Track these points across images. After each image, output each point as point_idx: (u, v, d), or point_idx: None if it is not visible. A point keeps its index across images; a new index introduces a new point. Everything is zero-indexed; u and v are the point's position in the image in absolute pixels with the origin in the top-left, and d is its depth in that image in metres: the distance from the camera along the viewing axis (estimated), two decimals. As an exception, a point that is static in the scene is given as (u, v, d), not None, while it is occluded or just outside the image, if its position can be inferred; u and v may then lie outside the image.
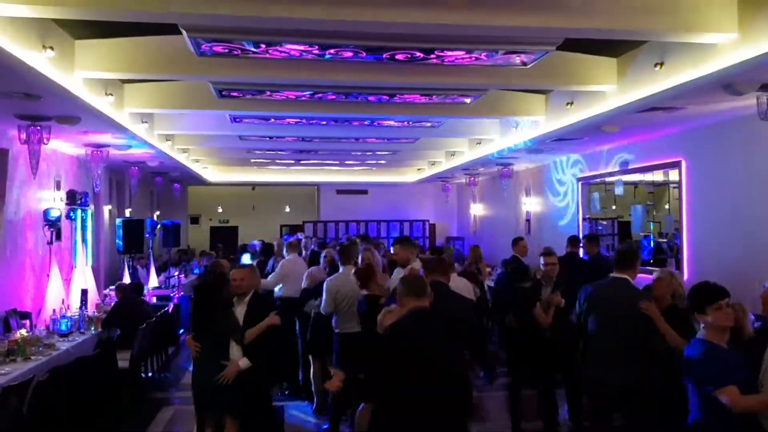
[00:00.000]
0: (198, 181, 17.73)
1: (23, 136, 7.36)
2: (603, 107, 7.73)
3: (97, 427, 5.98)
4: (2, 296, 8.08)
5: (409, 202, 20.37)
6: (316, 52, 6.13)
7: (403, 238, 6.47)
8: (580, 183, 11.86)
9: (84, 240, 10.28)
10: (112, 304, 8.35)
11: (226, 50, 6.05)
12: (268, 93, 8.04)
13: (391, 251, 6.75)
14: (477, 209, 18.00)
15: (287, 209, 24.00)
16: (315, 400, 7.15)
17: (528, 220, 14.21)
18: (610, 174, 10.74)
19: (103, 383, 5.94)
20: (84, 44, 6.51)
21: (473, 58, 6.41)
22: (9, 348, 5.94)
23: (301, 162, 16.40)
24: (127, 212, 13.96)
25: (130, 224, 11.29)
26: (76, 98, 6.57)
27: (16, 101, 6.49)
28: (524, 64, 6.74)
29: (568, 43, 6.32)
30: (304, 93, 8.08)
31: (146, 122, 9.40)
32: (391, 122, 10.36)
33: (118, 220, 11.49)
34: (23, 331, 6.33)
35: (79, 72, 6.54)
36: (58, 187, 9.77)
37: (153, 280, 11.73)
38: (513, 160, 12.80)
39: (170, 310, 9.39)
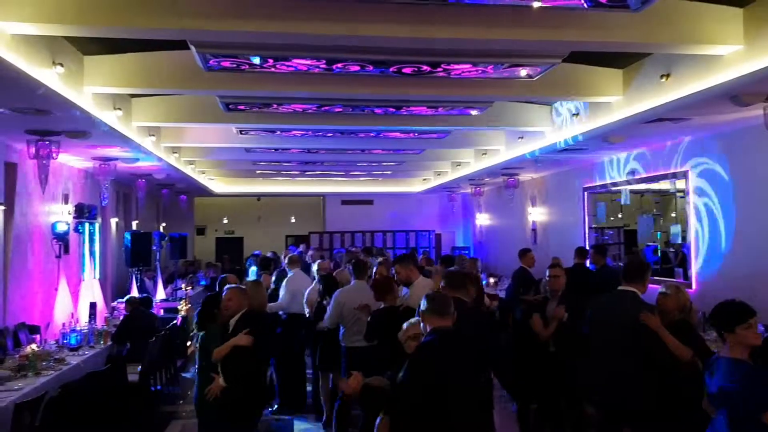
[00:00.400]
0: (204, 192, 17.79)
1: (32, 150, 7.42)
2: (609, 118, 7.75)
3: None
4: (11, 310, 8.12)
5: (414, 212, 20.38)
6: (324, 66, 6.17)
7: (402, 256, 6.41)
8: (586, 192, 11.86)
9: (92, 253, 10.32)
10: (121, 317, 8.37)
11: (234, 65, 6.10)
12: (275, 106, 8.09)
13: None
14: (482, 219, 18.00)
15: (293, 220, 23.99)
16: (324, 414, 7.13)
17: (534, 230, 14.19)
18: (616, 184, 10.74)
19: (113, 398, 5.94)
20: (93, 60, 6.57)
21: (480, 71, 6.45)
22: (20, 363, 5.95)
23: (307, 173, 16.45)
24: (134, 225, 14.01)
25: (138, 237, 11.33)
26: (86, 113, 6.62)
27: (26, 116, 6.55)
28: (530, 76, 6.77)
29: (574, 55, 6.37)
30: (311, 106, 8.12)
31: (153, 135, 9.46)
32: (397, 134, 10.40)
33: (127, 234, 11.53)
34: (33, 346, 6.34)
35: (88, 87, 6.60)
36: (66, 200, 9.83)
37: (160, 293, 11.75)
38: (519, 170, 12.82)
39: (179, 322, 9.39)
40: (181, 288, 12.25)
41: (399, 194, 19.55)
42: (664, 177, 9.45)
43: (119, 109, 7.55)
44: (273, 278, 8.56)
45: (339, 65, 6.16)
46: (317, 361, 7.06)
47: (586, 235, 11.82)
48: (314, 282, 7.54)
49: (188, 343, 9.48)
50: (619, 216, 11.39)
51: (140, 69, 6.77)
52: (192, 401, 7.92)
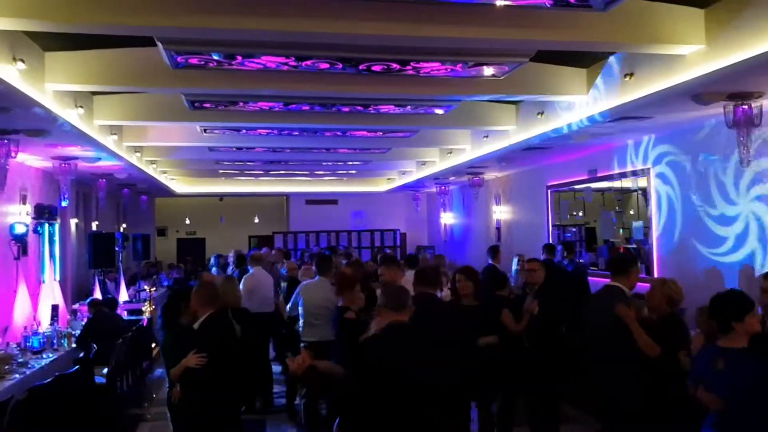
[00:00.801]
0: (165, 192, 17.53)
1: (-10, 149, 7.21)
2: (573, 117, 7.87)
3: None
4: (-31, 314, 7.88)
5: (379, 212, 20.41)
6: (293, 63, 6.13)
7: (388, 258, 6.46)
8: (549, 191, 12.03)
9: (51, 255, 10.07)
10: (83, 319, 8.20)
11: (202, 62, 6.02)
12: (241, 104, 8.01)
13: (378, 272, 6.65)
14: (447, 218, 18.11)
15: (256, 220, 23.82)
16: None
17: (498, 228, 14.34)
18: (580, 182, 10.92)
19: (81, 400, 5.82)
20: (55, 56, 6.41)
21: (449, 70, 6.49)
22: (-18, 367, 5.80)
23: (271, 172, 16.33)
24: (94, 225, 13.72)
25: (100, 238, 11.10)
26: (47, 111, 6.46)
27: (-17, 115, 6.36)
28: (497, 76, 6.85)
29: (539, 54, 6.45)
30: (277, 104, 8.07)
31: (115, 134, 9.29)
32: (364, 132, 10.39)
33: (89, 234, 11.27)
34: (-5, 350, 6.18)
35: (49, 84, 6.44)
36: (24, 201, 9.56)
37: (123, 294, 11.54)
38: (483, 169, 12.93)
39: (145, 323, 9.24)
40: (144, 289, 12.04)
41: (364, 194, 19.55)
42: (626, 175, 9.64)
43: (81, 107, 7.38)
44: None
45: (308, 62, 6.13)
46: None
47: (550, 233, 11.99)
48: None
49: (153, 345, 9.34)
50: (580, 214, 11.59)
51: (104, 66, 6.62)
52: (159, 403, 7.92)
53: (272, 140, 10.93)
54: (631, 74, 6.57)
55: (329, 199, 20.46)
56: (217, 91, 7.21)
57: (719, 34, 5.46)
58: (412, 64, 6.28)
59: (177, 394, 4.78)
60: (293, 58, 6.02)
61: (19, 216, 9.28)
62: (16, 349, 7.00)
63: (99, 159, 9.88)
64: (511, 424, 5.99)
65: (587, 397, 4.91)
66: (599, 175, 10.30)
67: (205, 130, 9.95)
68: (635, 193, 9.71)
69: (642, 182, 9.28)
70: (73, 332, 7.64)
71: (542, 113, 8.54)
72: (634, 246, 9.66)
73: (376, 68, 6.36)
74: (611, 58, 6.96)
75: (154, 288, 12.26)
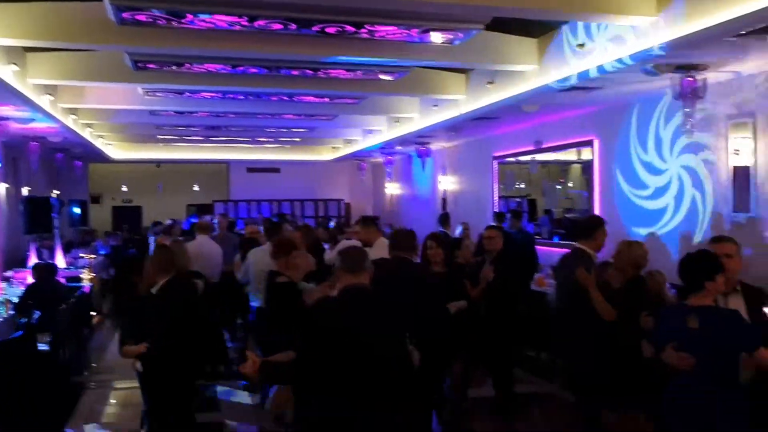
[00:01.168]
0: (101, 158, 16.90)
1: None
2: (524, 87, 7.92)
3: (21, 414, 5.68)
4: None
5: (323, 181, 20.26)
6: (245, 23, 5.93)
7: (367, 218, 6.39)
8: (495, 161, 12.15)
9: (-19, 220, 9.58)
10: (20, 287, 7.86)
11: (150, 19, 5.75)
12: (188, 65, 7.74)
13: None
14: (393, 188, 18.11)
15: (196, 188, 23.30)
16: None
17: (444, 199, 14.43)
18: (525, 153, 11.06)
19: (25, 368, 5.60)
20: (-13, 8, 6.02)
21: (404, 35, 6.41)
22: None
23: (212, 139, 15.96)
24: (25, 190, 13.11)
25: (35, 203, 10.62)
26: (-22, 66, 6.09)
27: None
28: (450, 43, 6.82)
29: (491, 23, 6.44)
30: (225, 66, 7.83)
31: (51, 94, 8.86)
32: (311, 98, 10.23)
33: (23, 199, 10.74)
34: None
35: (-19, 38, 6.06)
36: (-50, 163, 9.06)
37: (60, 262, 11.10)
38: (430, 139, 12.95)
39: (87, 290, 8.95)
40: (82, 257, 11.63)
41: (307, 162, 19.35)
42: (571, 146, 9.82)
43: (14, 63, 7.00)
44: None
45: (261, 22, 5.94)
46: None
47: (495, 204, 12.14)
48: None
49: (93, 313, 9.09)
50: (522, 186, 11.77)
51: (41, 20, 6.24)
52: (100, 371, 7.75)
53: (216, 104, 10.64)
54: (582, 44, 6.64)
55: (272, 168, 20.17)
56: (164, 51, 6.93)
57: (670, 5, 5.54)
58: (367, 26, 6.17)
59: (135, 364, 4.64)
60: (245, 18, 5.82)
61: (-54, 179, 8.79)
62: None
63: (32, 120, 9.43)
64: (467, 387, 6.11)
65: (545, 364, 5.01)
66: (545, 146, 10.44)
67: (147, 93, 9.59)
68: (578, 165, 9.91)
69: (586, 154, 9.47)
70: (10, 299, 7.31)
71: (492, 82, 8.56)
72: (574, 216, 9.89)
73: (330, 30, 6.21)
74: (563, 28, 7.01)
75: (93, 256, 11.86)
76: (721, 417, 3.39)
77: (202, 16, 5.74)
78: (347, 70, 8.13)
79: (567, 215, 10.70)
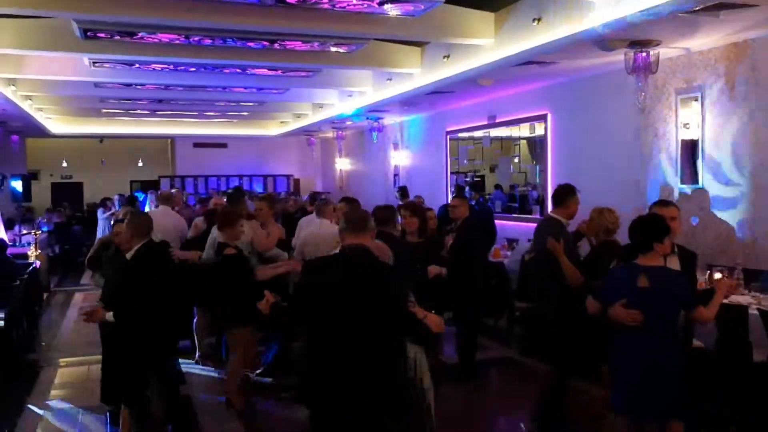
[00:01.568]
0: (40, 132, 16.25)
1: None
2: (480, 60, 7.99)
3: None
4: None
5: (271, 157, 20.05)
6: (203, -10, 5.80)
7: (348, 198, 6.35)
8: (448, 136, 12.24)
9: None
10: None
11: (103, -16, 5.55)
12: (140, 35, 7.50)
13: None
14: (343, 164, 18.05)
15: (140, 164, 22.71)
16: (197, 351, 7.05)
17: (396, 174, 14.48)
18: (479, 128, 11.17)
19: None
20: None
21: (365, 6, 6.37)
22: None
23: (157, 113, 15.56)
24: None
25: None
26: None
27: None
28: (411, 15, 6.82)
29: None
30: (179, 36, 7.63)
31: (-10, 64, 8.48)
32: (264, 70, 10.07)
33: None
34: None
35: None
36: None
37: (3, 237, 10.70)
38: (383, 113, 12.94)
39: (38, 266, 8.67)
40: (26, 233, 11.25)
41: (254, 137, 19.10)
42: (524, 120, 9.97)
43: (-47, 29, 6.66)
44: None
45: (220, -10, 5.81)
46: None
47: (448, 179, 12.26)
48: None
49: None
50: (475, 162, 11.89)
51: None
52: (52, 349, 7.58)
53: (166, 76, 10.37)
54: (539, 19, 6.73)
55: (218, 143, 19.83)
56: (116, 18, 6.68)
57: (626, -20, 5.68)
58: (329, -5, 6.11)
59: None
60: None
61: None
62: None
63: (-31, 91, 9.00)
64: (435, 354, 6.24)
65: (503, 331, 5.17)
66: (498, 120, 10.57)
67: (94, 64, 9.26)
68: (532, 140, 10.08)
69: (540, 128, 9.63)
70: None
71: (448, 56, 8.61)
72: (531, 189, 10.09)
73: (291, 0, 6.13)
74: (520, 3, 7.09)
75: (39, 232, 11.47)
76: (661, 363, 3.67)
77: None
78: (303, 42, 8.04)
79: (513, 192, 10.92)
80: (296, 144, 19.82)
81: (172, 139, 20.20)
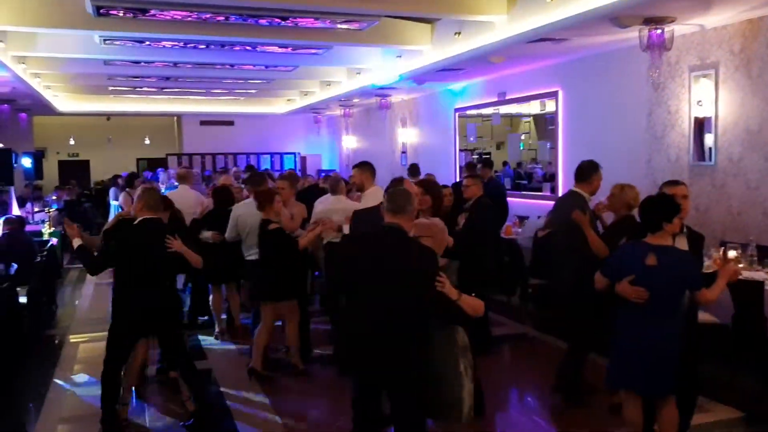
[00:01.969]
0: (47, 110, 16.25)
1: None
2: (492, 37, 7.97)
3: (3, 365, 5.64)
4: None
5: (278, 134, 20.03)
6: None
7: (362, 163, 6.40)
8: (457, 113, 12.23)
9: None
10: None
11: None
12: (153, 12, 7.50)
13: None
14: (350, 141, 18.03)
15: (147, 141, 22.74)
16: (216, 327, 7.16)
17: (404, 152, 14.48)
18: (488, 104, 11.15)
19: (5, 321, 5.49)
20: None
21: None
22: None
23: (165, 90, 15.54)
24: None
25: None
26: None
27: None
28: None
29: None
30: (192, 13, 7.62)
31: (1, 42, 8.47)
32: (275, 48, 10.07)
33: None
34: None
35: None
36: None
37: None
38: (391, 90, 12.91)
39: (55, 243, 8.77)
40: (39, 210, 11.32)
41: (261, 115, 19.07)
42: (535, 97, 9.96)
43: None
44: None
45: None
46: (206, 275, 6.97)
47: (457, 156, 12.27)
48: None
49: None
50: (483, 139, 11.89)
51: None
52: (73, 325, 7.71)
53: (175, 54, 10.36)
54: (554, -5, 6.70)
55: (225, 120, 19.82)
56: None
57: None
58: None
59: None
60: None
61: None
62: None
63: (-19, 69, 9.01)
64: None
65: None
66: (508, 98, 10.55)
67: (104, 41, 9.25)
68: (540, 117, 10.07)
69: (550, 105, 9.63)
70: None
71: (459, 33, 8.58)
72: (540, 167, 10.11)
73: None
74: (535, -22, 7.06)
75: (53, 209, 11.56)
76: (659, 342, 3.74)
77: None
78: (316, 19, 8.03)
79: (529, 167, 10.94)
80: (302, 122, 19.79)
81: (179, 116, 20.19)
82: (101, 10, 7.26)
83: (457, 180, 9.43)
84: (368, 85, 11.90)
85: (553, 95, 9.44)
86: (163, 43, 9.60)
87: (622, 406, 4.02)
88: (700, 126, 7.10)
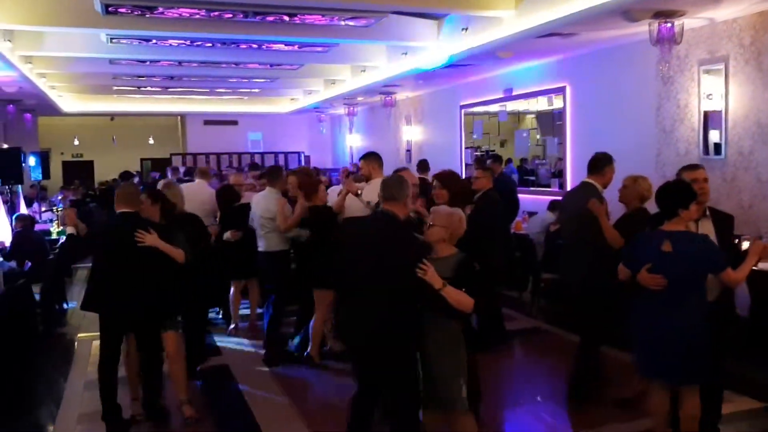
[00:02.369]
0: (52, 110, 16.29)
1: None
2: (499, 33, 7.95)
3: (20, 363, 5.64)
4: None
5: (281, 134, 20.04)
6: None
7: (368, 153, 6.42)
8: (462, 110, 12.21)
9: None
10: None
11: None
12: (160, 10, 7.49)
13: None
14: (354, 140, 18.02)
15: (151, 141, 22.74)
16: (232, 322, 7.20)
17: (409, 150, 14.47)
18: (494, 101, 11.14)
19: (21, 318, 5.49)
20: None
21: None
22: None
23: (169, 90, 15.54)
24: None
25: (5, 154, 10.29)
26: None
27: None
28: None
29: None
30: (200, 11, 7.62)
31: (9, 41, 8.46)
32: (281, 45, 10.06)
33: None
34: None
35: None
36: None
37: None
38: (396, 88, 12.90)
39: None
40: (48, 210, 11.35)
41: (265, 115, 19.08)
42: (542, 93, 9.94)
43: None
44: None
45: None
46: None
47: (462, 154, 12.25)
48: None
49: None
50: (489, 136, 11.86)
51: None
52: (85, 323, 7.71)
53: (181, 52, 10.35)
54: (562, -11, 6.69)
55: (229, 120, 19.85)
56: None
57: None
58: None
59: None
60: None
61: None
62: None
63: (-9, 68, 9.02)
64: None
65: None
66: (515, 94, 10.54)
67: (111, 40, 9.24)
68: (544, 113, 10.05)
69: (558, 101, 9.61)
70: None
71: (466, 29, 8.56)
72: (547, 163, 10.10)
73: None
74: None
75: (62, 208, 11.58)
76: (682, 328, 3.70)
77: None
78: (323, 16, 8.02)
79: (534, 162, 10.91)
80: (307, 121, 19.80)
81: (183, 116, 20.20)
82: (109, 8, 7.25)
83: (463, 177, 9.38)
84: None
85: (561, 90, 9.42)
86: (170, 41, 9.59)
87: (645, 395, 4.00)
88: (710, 120, 7.08)
